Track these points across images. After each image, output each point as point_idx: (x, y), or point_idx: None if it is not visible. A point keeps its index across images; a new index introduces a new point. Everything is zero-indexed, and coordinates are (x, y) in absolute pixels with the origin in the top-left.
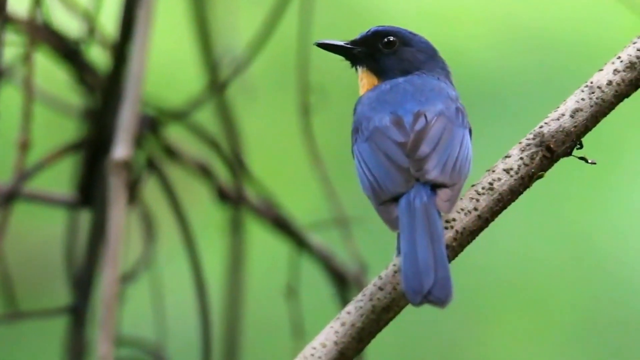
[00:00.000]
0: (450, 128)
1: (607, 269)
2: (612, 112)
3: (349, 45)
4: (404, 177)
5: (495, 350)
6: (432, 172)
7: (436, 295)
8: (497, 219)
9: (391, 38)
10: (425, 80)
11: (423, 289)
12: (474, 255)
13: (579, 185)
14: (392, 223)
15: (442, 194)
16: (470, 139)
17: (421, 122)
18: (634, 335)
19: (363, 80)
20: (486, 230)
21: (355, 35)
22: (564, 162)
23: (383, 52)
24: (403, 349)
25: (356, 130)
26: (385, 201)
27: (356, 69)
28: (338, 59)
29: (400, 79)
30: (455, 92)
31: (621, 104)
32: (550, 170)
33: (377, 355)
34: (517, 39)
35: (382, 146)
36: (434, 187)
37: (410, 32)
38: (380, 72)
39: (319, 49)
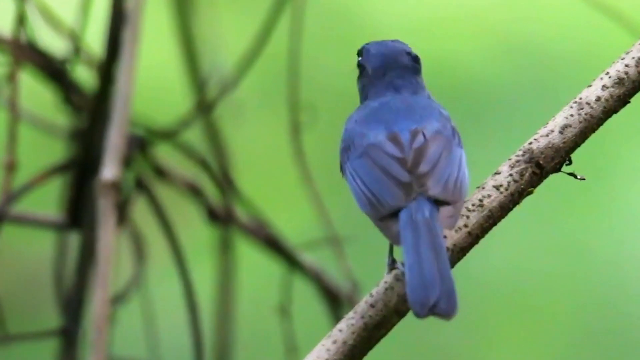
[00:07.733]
0: (449, 147)
1: (602, 279)
2: (601, 128)
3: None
4: (403, 192)
5: None
6: (435, 189)
7: (442, 307)
8: (489, 234)
9: (360, 58)
10: (416, 99)
11: (429, 301)
12: (468, 270)
13: (572, 199)
14: (395, 238)
15: (444, 210)
16: None
17: (419, 140)
18: (632, 344)
19: None
20: (480, 246)
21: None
22: (553, 177)
23: (360, 72)
24: None
25: (347, 148)
26: (385, 216)
27: None
28: (328, 76)
29: (389, 97)
30: (446, 112)
31: (610, 120)
32: (540, 186)
33: None
34: (507, 54)
35: (379, 161)
36: (436, 203)
37: (369, 51)
38: (360, 91)
39: (309, 66)
